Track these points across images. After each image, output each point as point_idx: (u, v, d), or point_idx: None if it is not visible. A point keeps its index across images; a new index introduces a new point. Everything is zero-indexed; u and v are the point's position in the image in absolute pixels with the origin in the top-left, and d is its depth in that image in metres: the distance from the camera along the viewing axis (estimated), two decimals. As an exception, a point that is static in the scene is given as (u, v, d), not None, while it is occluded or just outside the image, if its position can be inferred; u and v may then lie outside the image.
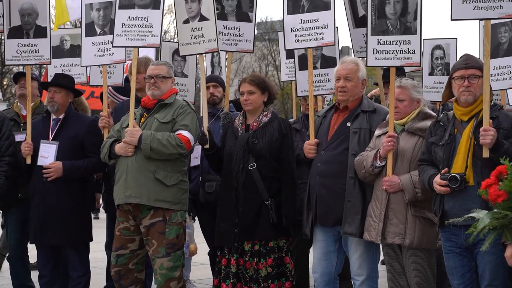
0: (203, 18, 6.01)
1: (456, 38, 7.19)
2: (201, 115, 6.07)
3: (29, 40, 6.40)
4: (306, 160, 5.48)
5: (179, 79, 6.91)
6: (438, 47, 7.26)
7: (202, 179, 6.12)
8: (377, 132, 5.19)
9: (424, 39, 7.14)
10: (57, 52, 6.95)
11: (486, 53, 4.81)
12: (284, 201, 5.44)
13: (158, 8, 5.90)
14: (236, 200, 5.45)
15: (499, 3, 4.83)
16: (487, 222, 3.75)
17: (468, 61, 4.69)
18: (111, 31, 6.16)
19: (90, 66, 6.55)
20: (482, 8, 4.86)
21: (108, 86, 6.76)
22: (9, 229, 6.43)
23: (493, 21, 5.85)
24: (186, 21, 6.11)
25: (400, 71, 6.26)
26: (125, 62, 6.50)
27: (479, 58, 6.20)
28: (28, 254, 6.57)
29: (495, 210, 3.79)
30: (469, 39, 13.92)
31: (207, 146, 5.66)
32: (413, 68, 6.43)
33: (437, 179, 4.55)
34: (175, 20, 6.48)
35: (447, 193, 4.53)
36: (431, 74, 7.20)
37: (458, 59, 5.14)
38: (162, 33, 6.06)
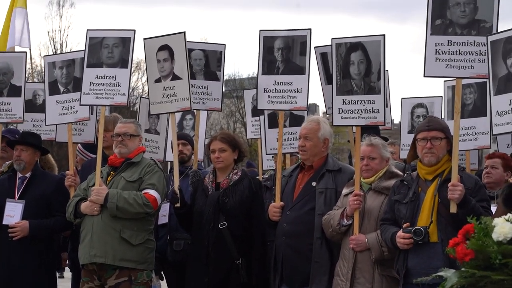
0: (175, 77, 6.00)
1: (441, 96, 7.22)
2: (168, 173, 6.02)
3: (2, 99, 6.40)
4: (270, 223, 5.46)
5: (152, 136, 6.90)
6: (420, 105, 7.36)
7: (170, 237, 6.08)
8: (345, 190, 5.23)
9: (402, 98, 7.37)
10: (29, 106, 6.87)
11: (457, 110, 4.93)
12: (254, 260, 5.41)
13: (126, 67, 5.94)
14: (207, 259, 5.40)
15: (470, 63, 4.97)
16: (455, 280, 3.75)
17: (431, 123, 4.80)
18: (75, 89, 6.16)
19: (54, 124, 6.49)
20: (454, 67, 5.00)
21: (77, 143, 6.71)
22: None
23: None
24: (158, 80, 6.08)
25: (375, 130, 6.32)
26: (89, 119, 6.43)
27: (443, 118, 6.30)
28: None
29: (462, 269, 3.80)
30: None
31: (178, 205, 5.63)
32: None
33: (400, 233, 4.60)
34: (143, 77, 6.49)
35: (411, 251, 4.57)
36: (410, 132, 7.22)
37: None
38: (130, 90, 6.05)
